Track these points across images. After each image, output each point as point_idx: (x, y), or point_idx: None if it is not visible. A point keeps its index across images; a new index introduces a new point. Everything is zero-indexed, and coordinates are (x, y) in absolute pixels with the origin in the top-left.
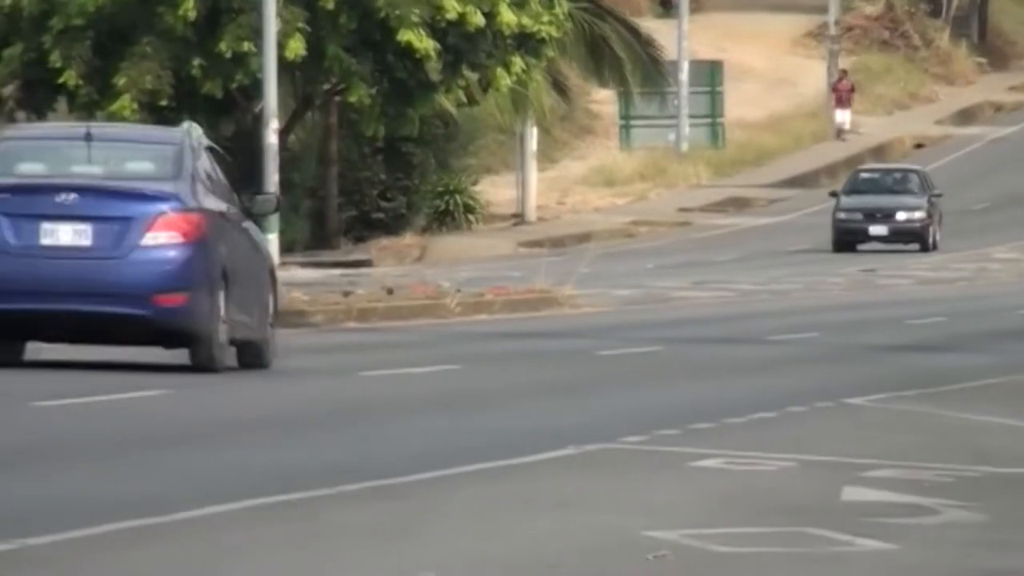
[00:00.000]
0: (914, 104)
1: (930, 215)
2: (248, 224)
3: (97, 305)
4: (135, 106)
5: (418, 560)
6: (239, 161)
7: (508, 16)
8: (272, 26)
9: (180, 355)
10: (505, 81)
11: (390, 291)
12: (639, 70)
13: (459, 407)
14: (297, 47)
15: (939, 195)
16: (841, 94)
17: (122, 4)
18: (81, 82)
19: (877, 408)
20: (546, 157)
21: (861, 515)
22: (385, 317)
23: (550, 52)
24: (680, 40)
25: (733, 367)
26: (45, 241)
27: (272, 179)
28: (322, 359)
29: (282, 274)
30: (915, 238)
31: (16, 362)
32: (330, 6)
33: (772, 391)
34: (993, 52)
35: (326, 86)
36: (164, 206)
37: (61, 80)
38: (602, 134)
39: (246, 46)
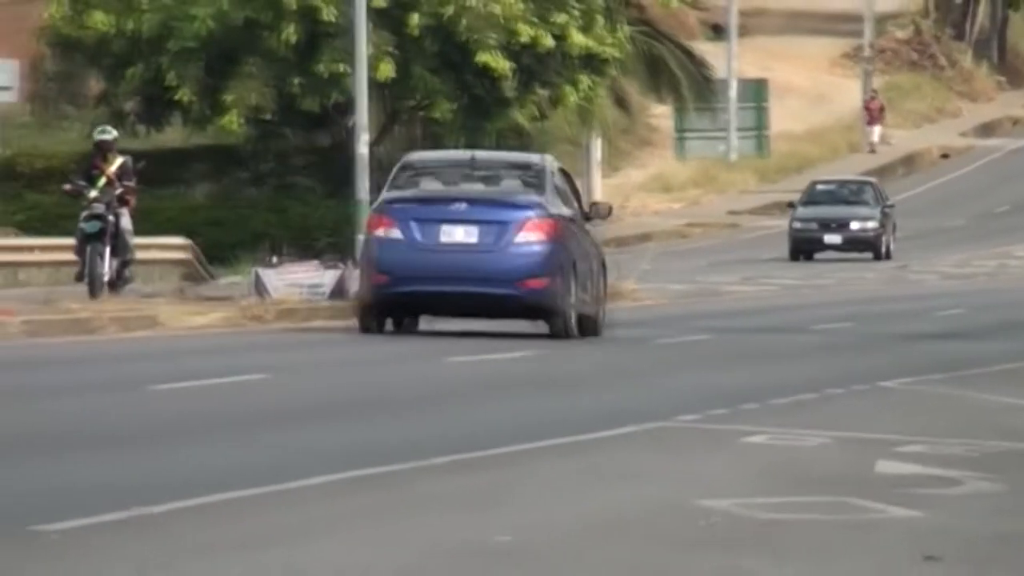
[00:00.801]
0: (940, 118)
1: (883, 225)
2: (587, 226)
3: (481, 287)
4: (241, 120)
5: (496, 526)
6: (334, 170)
7: (576, 39)
8: (363, 50)
9: (540, 326)
10: (573, 98)
11: None
12: (693, 88)
13: (534, 389)
14: (387, 69)
15: (892, 206)
16: (872, 112)
17: (230, 28)
18: (194, 99)
19: (907, 390)
20: (609, 165)
21: (893, 486)
22: None
23: (613, 71)
24: (730, 61)
25: (777, 353)
26: (443, 239)
27: (363, 186)
28: (408, 347)
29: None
30: (868, 247)
31: (413, 331)
32: (416, 32)
33: (812, 375)
34: (1011, 71)
35: (412, 103)
36: (531, 213)
37: (176, 97)
38: (659, 145)
39: (341, 67)
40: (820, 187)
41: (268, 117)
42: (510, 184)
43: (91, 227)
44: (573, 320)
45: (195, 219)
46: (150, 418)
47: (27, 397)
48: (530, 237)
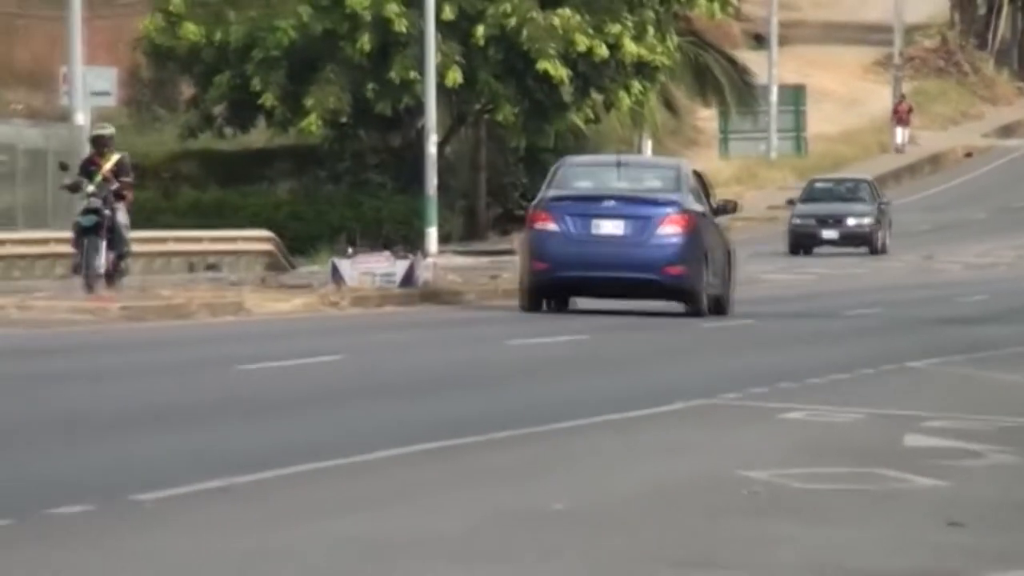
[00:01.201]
0: (964, 121)
1: (878, 221)
2: (716, 220)
3: (628, 273)
4: (320, 123)
5: (550, 495)
6: (405, 168)
7: (629, 48)
8: (432, 58)
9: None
10: (626, 102)
11: None
12: (736, 93)
13: (589, 370)
14: (454, 76)
15: (887, 203)
16: (901, 115)
17: (310, 39)
18: (277, 103)
19: (933, 370)
20: None
21: (919, 458)
22: None
23: (662, 77)
24: (770, 68)
25: (813, 336)
26: (595, 232)
27: (432, 183)
28: (469, 331)
29: (440, 260)
30: (864, 242)
31: (565, 310)
32: (481, 42)
33: (845, 356)
34: None
35: (477, 106)
36: (670, 209)
37: (260, 101)
38: (705, 145)
39: (411, 74)
40: (818, 185)
41: (344, 120)
42: (652, 184)
43: (87, 221)
44: (705, 301)
45: (278, 214)
46: (237, 396)
47: (126, 376)
48: (670, 230)
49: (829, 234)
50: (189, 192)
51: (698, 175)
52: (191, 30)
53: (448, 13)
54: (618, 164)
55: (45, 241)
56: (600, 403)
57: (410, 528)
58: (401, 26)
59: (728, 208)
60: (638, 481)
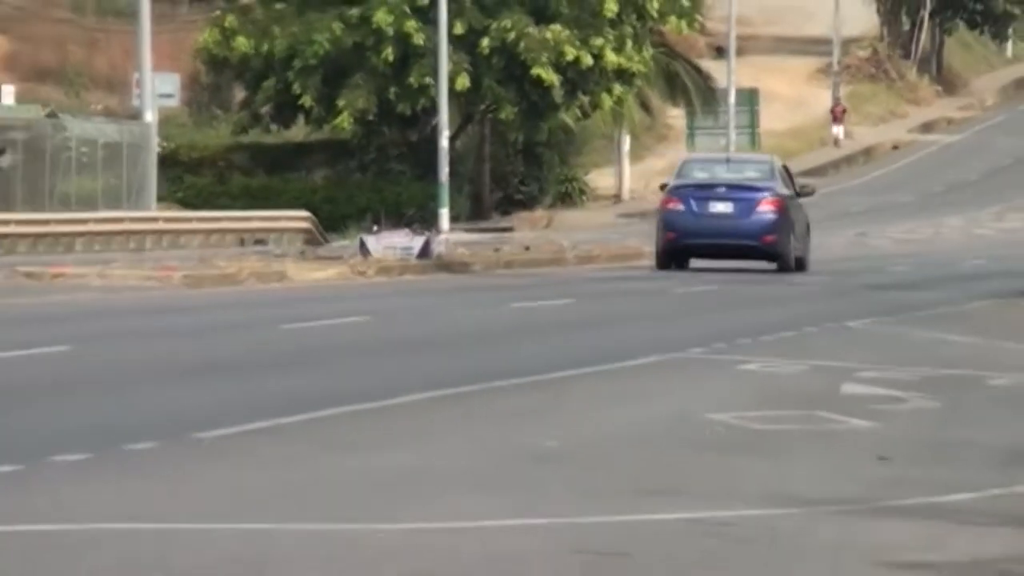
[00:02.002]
0: (892, 119)
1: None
2: (799, 200)
3: (735, 240)
4: (350, 120)
5: (544, 434)
6: (422, 158)
7: (611, 57)
8: (444, 67)
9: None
10: (608, 103)
11: (527, 248)
12: (700, 95)
13: (577, 329)
14: (463, 81)
15: (810, 189)
16: (836, 115)
17: (342, 50)
18: (314, 104)
19: (867, 329)
20: (635, 156)
21: (854, 403)
22: (523, 266)
23: (639, 82)
24: (729, 74)
25: (765, 301)
26: (711, 210)
27: (444, 171)
28: (476, 296)
29: (451, 236)
30: None
31: (686, 267)
32: (486, 52)
33: (793, 317)
34: (946, 83)
35: (482, 107)
36: (766, 193)
37: (300, 102)
38: (674, 140)
39: (427, 80)
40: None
41: (371, 118)
42: (752, 174)
43: None
44: (791, 261)
45: (314, 197)
46: (282, 350)
47: (187, 334)
48: (766, 208)
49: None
50: (240, 178)
51: (785, 168)
52: (242, 43)
53: (458, 28)
54: (727, 160)
55: (120, 220)
56: (588, 357)
57: (425, 461)
58: (418, 40)
59: (807, 192)
60: (618, 422)
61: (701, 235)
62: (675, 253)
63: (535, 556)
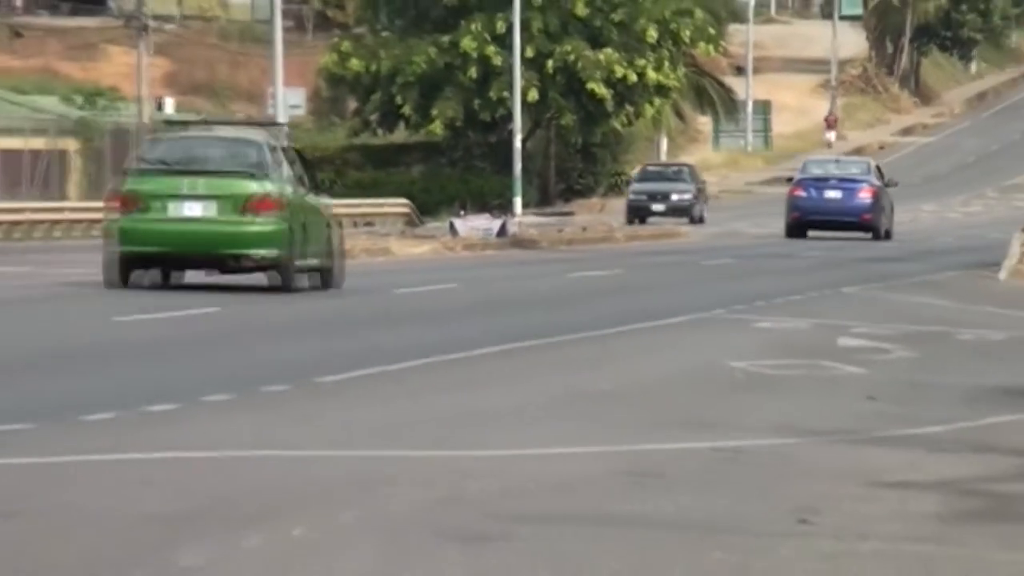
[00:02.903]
0: (878, 124)
1: (696, 197)
2: (887, 189)
3: (843, 217)
4: (442, 126)
5: (598, 378)
6: (499, 157)
7: (651, 75)
8: (518, 83)
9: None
10: (649, 112)
11: (584, 229)
12: (723, 105)
13: (624, 294)
14: (533, 94)
15: (704, 183)
16: (829, 122)
17: (436, 69)
18: (412, 113)
19: (858, 294)
20: (671, 154)
21: (847, 353)
22: (581, 243)
23: (674, 95)
24: (747, 89)
25: (776, 271)
26: (825, 196)
27: (517, 167)
28: (543, 268)
29: (523, 219)
30: (684, 213)
31: (805, 237)
32: (550, 71)
33: (798, 284)
34: (922, 95)
35: (548, 115)
36: (865, 184)
37: (401, 111)
38: (703, 141)
39: (504, 93)
40: (650, 168)
41: (458, 124)
42: (854, 171)
43: None
44: (883, 232)
45: (413, 188)
46: (388, 311)
47: (305, 302)
48: (865, 195)
49: (658, 207)
50: (353, 173)
51: (878, 167)
52: (355, 64)
53: (529, 52)
54: (837, 161)
55: None
56: (632, 316)
57: (500, 402)
58: (497, 61)
59: (892, 183)
60: (659, 369)
61: (818, 213)
62: (799, 226)
63: (589, 476)
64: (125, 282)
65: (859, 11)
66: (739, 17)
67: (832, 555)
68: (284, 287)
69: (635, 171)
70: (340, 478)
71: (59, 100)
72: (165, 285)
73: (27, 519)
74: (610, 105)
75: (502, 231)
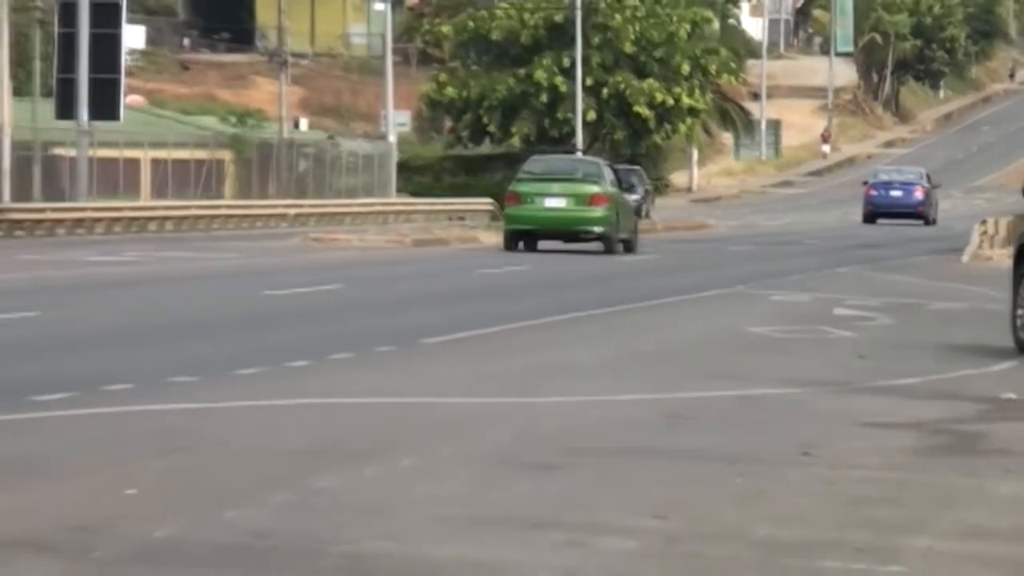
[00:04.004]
0: (865, 139)
1: (643, 198)
2: (934, 189)
3: (903, 209)
4: (519, 141)
5: (642, 340)
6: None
7: (685, 100)
8: (580, 106)
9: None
10: (683, 129)
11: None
12: (742, 124)
13: (662, 273)
14: (591, 115)
15: (649, 186)
16: (824, 138)
17: (515, 94)
18: (495, 130)
19: (850, 273)
20: (700, 163)
21: (842, 320)
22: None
23: (703, 116)
24: (762, 110)
25: (785, 255)
26: (890, 194)
27: None
28: (597, 253)
29: None
30: (635, 212)
31: (875, 223)
32: (605, 96)
33: (802, 265)
34: (901, 116)
35: (603, 131)
36: (918, 186)
37: (487, 129)
38: (726, 152)
39: (568, 115)
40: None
41: (532, 139)
42: (911, 177)
43: None
44: (931, 220)
45: (496, 189)
46: (477, 287)
47: (414, 277)
48: (919, 194)
49: None
50: (448, 178)
51: (928, 175)
52: (450, 91)
53: (588, 81)
54: (898, 170)
55: (372, 204)
56: (670, 291)
57: (564, 360)
58: (563, 89)
59: (936, 184)
60: (693, 333)
61: (885, 207)
62: (872, 216)
63: (635, 418)
64: (512, 248)
65: (851, 48)
66: (755, 53)
67: (829, 480)
68: (608, 251)
69: None
70: (439, 420)
71: (217, 120)
72: (532, 249)
73: (195, 453)
74: (652, 124)
75: None
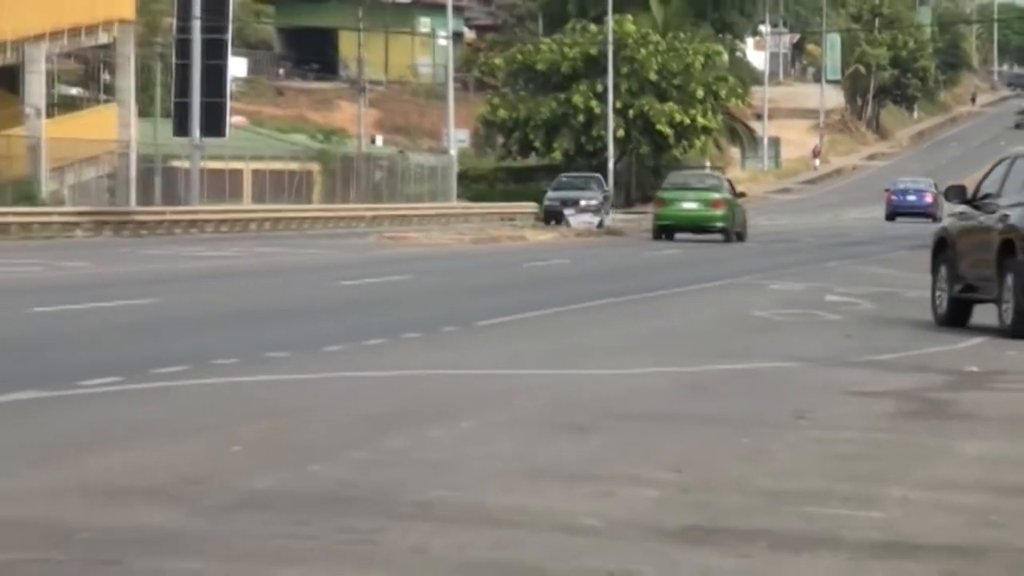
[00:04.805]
0: (851, 153)
1: (601, 203)
2: (941, 194)
3: (917, 210)
4: (561, 154)
5: (662, 322)
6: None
7: (700, 120)
8: (611, 125)
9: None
10: (698, 145)
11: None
12: (748, 140)
13: (679, 266)
14: (620, 133)
15: (608, 191)
16: (815, 152)
17: (556, 116)
18: (540, 145)
19: (838, 266)
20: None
21: (832, 306)
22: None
23: (714, 134)
24: (764, 129)
25: (784, 251)
26: (907, 199)
27: (610, 182)
28: (626, 249)
29: (615, 216)
30: (593, 215)
31: (895, 221)
32: (632, 116)
33: (798, 260)
34: (881, 133)
35: (630, 147)
36: (929, 192)
37: (533, 145)
38: (734, 165)
39: (602, 132)
40: (564, 178)
41: (571, 153)
42: (922, 185)
43: None
44: (938, 217)
45: (541, 195)
46: (524, 278)
47: (471, 271)
48: (928, 198)
49: (569, 211)
50: (500, 186)
51: (935, 183)
52: (502, 112)
53: (617, 104)
54: (913, 180)
55: (436, 208)
56: (686, 281)
57: (597, 339)
58: (597, 111)
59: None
60: (706, 315)
61: (902, 208)
62: (892, 216)
63: (657, 388)
64: (658, 238)
65: (839, 77)
66: (758, 81)
67: (820, 440)
68: (727, 241)
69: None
70: (492, 389)
71: (307, 137)
72: (670, 239)
73: (288, 417)
74: (671, 140)
75: (601, 224)
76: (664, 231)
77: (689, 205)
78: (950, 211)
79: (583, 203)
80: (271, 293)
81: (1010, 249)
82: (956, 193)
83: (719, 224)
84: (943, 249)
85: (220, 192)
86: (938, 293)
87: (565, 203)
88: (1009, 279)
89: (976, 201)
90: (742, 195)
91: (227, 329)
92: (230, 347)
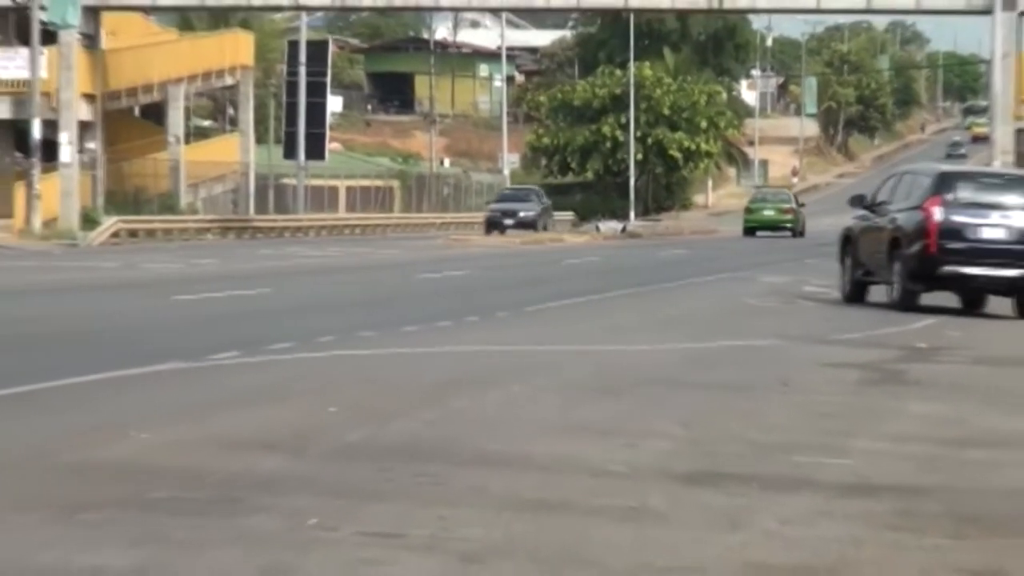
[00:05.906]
0: (825, 172)
1: (540, 214)
2: None
3: None
4: (592, 173)
5: (670, 308)
6: (624, 190)
7: (704, 146)
8: (632, 149)
9: None
10: (702, 166)
11: (667, 227)
12: (742, 162)
13: (687, 263)
14: (640, 156)
15: (548, 202)
16: (794, 172)
17: (589, 142)
18: (576, 166)
19: (814, 263)
20: (713, 188)
21: (809, 295)
22: (664, 235)
23: (715, 157)
24: (756, 153)
25: (776, 248)
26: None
27: (631, 196)
28: (645, 249)
29: (634, 223)
30: (531, 226)
31: None
32: (649, 143)
33: (786, 256)
34: (849, 157)
35: (648, 168)
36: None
37: (570, 166)
38: (731, 182)
39: (624, 156)
40: (505, 191)
41: (601, 172)
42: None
43: None
44: None
45: (576, 206)
46: (561, 273)
47: (517, 266)
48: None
49: (508, 221)
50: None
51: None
52: (545, 140)
53: (638, 133)
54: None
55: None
56: (691, 275)
57: (620, 321)
58: (621, 138)
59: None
60: (703, 303)
61: None
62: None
63: (670, 361)
64: (749, 235)
65: (815, 111)
66: (750, 114)
67: (800, 403)
68: (793, 236)
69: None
70: (536, 361)
71: (389, 160)
72: (752, 236)
73: (374, 383)
74: (681, 162)
75: (623, 229)
76: (750, 231)
77: (768, 212)
78: (852, 214)
79: (521, 214)
80: (360, 284)
81: (897, 244)
82: (858, 200)
83: (789, 225)
84: (848, 243)
85: (320, 204)
86: (845, 278)
87: (505, 214)
88: (896, 266)
89: (873, 207)
90: (803, 205)
91: (326, 314)
92: (329, 327)
